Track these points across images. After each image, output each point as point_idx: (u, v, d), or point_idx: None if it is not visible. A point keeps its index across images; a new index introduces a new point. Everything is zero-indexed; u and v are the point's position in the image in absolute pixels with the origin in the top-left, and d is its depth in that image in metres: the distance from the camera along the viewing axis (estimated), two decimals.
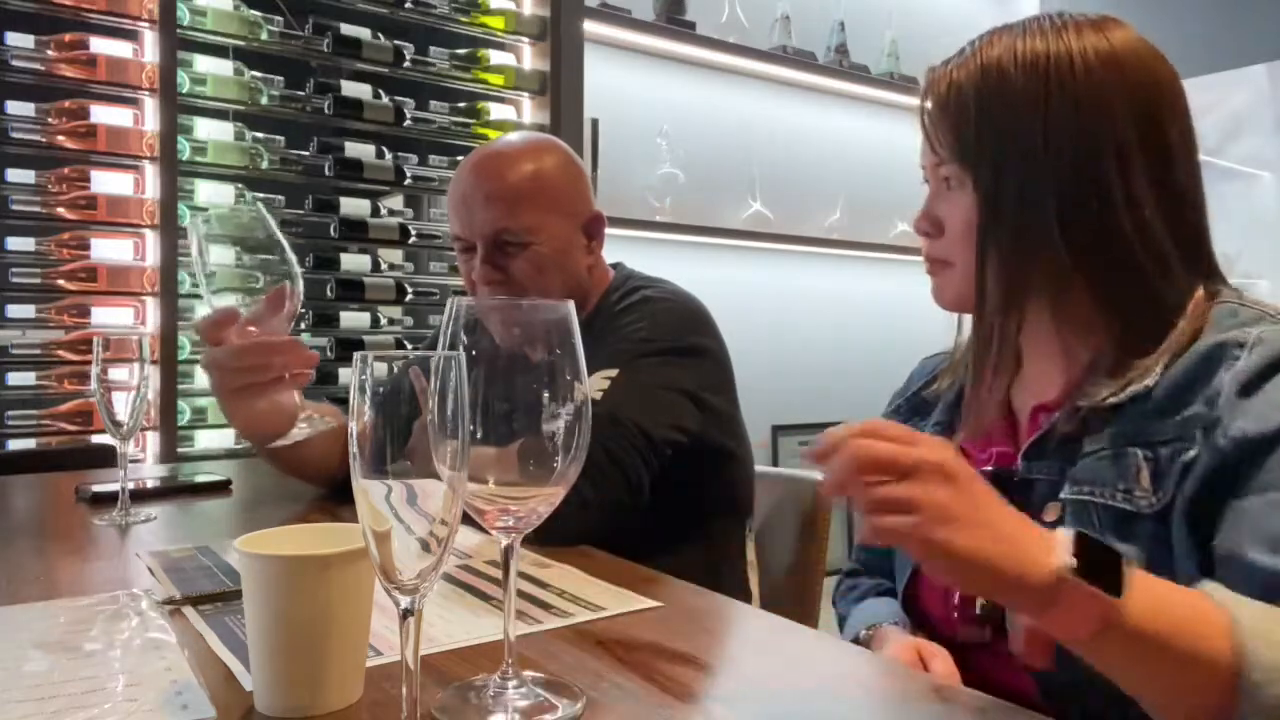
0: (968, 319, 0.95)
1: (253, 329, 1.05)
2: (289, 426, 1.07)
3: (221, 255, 1.05)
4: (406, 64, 2.49)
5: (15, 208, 2.06)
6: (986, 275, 0.84)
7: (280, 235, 1.04)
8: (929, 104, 0.87)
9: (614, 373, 1.15)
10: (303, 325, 2.37)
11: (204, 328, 1.06)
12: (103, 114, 2.12)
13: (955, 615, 0.86)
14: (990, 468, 0.88)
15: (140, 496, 1.30)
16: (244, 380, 1.07)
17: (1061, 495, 0.79)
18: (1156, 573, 0.72)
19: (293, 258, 1.04)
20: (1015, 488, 0.83)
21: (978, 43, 0.86)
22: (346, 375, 2.33)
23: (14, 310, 2.07)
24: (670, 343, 1.22)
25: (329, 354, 2.40)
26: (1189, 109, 0.85)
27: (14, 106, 2.06)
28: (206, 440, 2.29)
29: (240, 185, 2.29)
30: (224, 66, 2.27)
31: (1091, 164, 0.80)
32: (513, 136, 1.39)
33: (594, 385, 1.13)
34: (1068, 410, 0.82)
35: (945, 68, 0.87)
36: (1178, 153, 0.83)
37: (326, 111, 2.39)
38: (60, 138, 2.09)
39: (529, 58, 2.75)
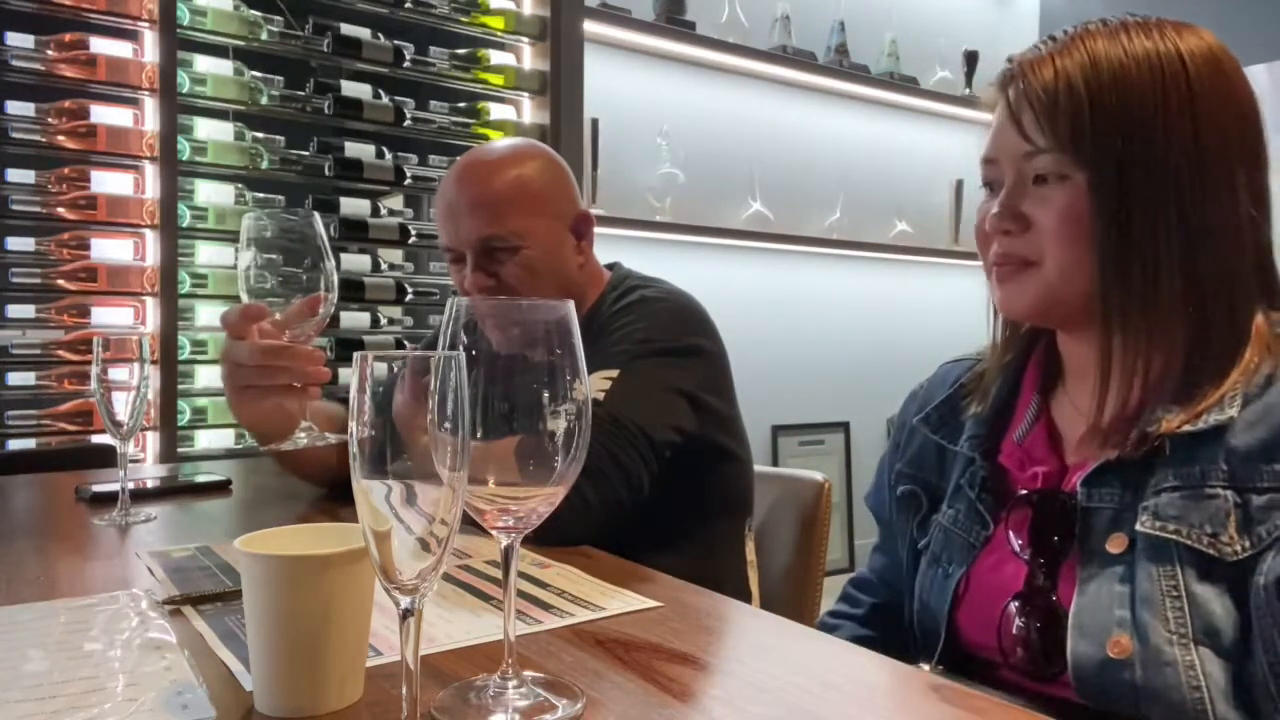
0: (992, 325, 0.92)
1: (277, 331, 1.05)
2: (290, 432, 1.07)
3: (265, 257, 1.05)
4: (406, 64, 2.49)
5: (15, 208, 2.06)
6: (1112, 285, 0.79)
7: (327, 247, 1.06)
8: (1026, 88, 0.81)
9: (614, 373, 1.15)
10: None
11: (230, 320, 1.06)
12: (103, 114, 2.12)
13: (999, 642, 0.82)
14: (1036, 490, 0.85)
15: (140, 496, 1.30)
16: (254, 380, 1.07)
17: (1137, 528, 0.75)
18: (1233, 624, 0.71)
19: (333, 268, 1.06)
20: (1069, 514, 0.80)
21: (1075, 35, 0.82)
22: (346, 375, 2.33)
23: (14, 310, 2.07)
24: (669, 343, 1.22)
25: (329, 354, 2.40)
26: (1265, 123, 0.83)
27: (14, 106, 2.06)
28: (206, 440, 2.29)
29: (240, 185, 2.30)
30: (224, 66, 2.27)
31: (1204, 165, 0.78)
32: (495, 143, 1.39)
33: (594, 385, 1.13)
34: (1135, 436, 0.78)
35: (1042, 56, 0.82)
36: (1264, 164, 0.81)
37: (326, 111, 2.39)
38: (60, 138, 2.08)
39: (529, 58, 2.75)
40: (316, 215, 1.06)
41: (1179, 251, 0.78)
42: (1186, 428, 0.75)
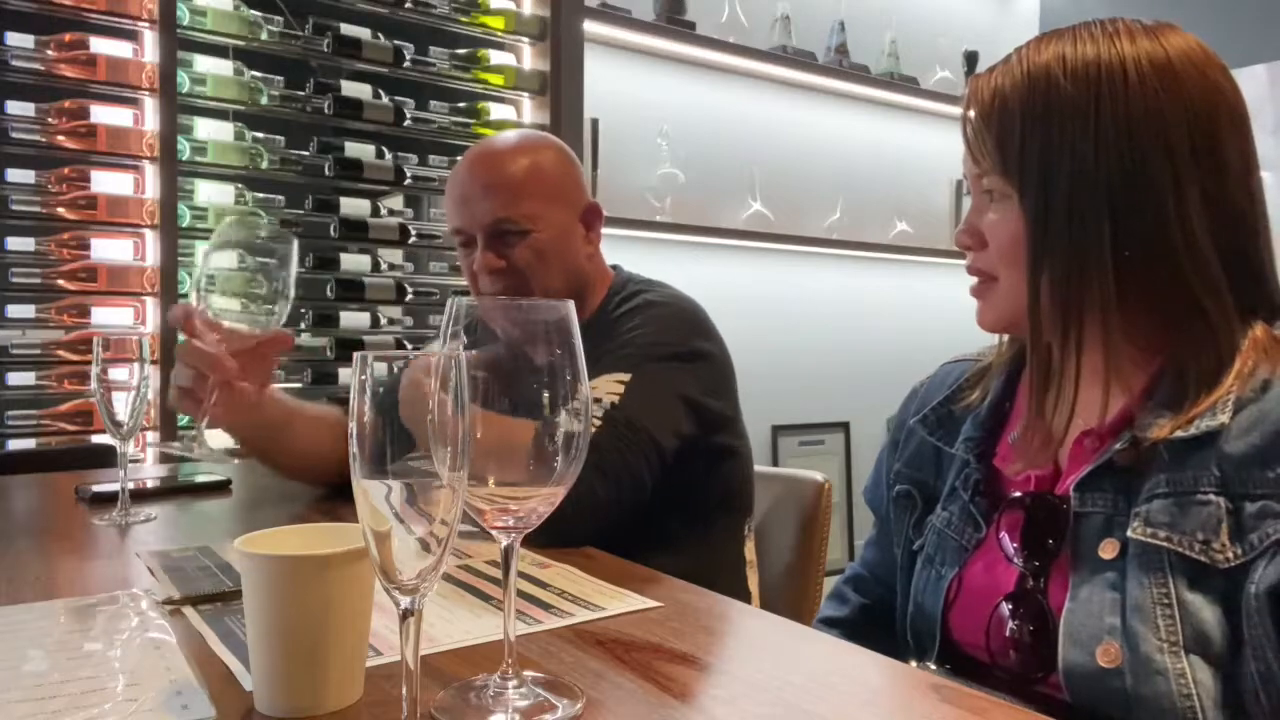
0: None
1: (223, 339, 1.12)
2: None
3: (228, 261, 1.12)
4: (406, 64, 2.49)
5: (15, 208, 2.06)
6: (1040, 296, 0.80)
7: (293, 276, 1.13)
8: (972, 113, 0.83)
9: (627, 377, 1.16)
10: (302, 325, 2.38)
11: (178, 316, 1.14)
12: (103, 114, 2.12)
13: (987, 643, 0.83)
14: (1029, 493, 0.85)
15: (140, 496, 1.30)
16: (182, 378, 1.14)
17: (1129, 534, 0.75)
18: (1224, 632, 0.70)
19: (292, 295, 1.14)
20: (1061, 517, 0.80)
21: (1025, 49, 0.83)
22: (346, 375, 2.33)
23: (14, 310, 2.07)
24: (675, 348, 1.24)
25: (329, 354, 2.40)
26: (1249, 125, 0.81)
27: (14, 106, 2.06)
28: (207, 441, 2.29)
29: (240, 185, 2.29)
30: (224, 66, 2.27)
31: (1143, 179, 0.77)
32: (507, 133, 1.42)
33: (607, 388, 1.14)
34: (1127, 440, 0.77)
35: (990, 75, 0.83)
36: (1234, 171, 0.79)
37: (326, 111, 2.39)
38: (60, 138, 2.08)
39: (529, 58, 2.75)
40: (295, 243, 1.10)
41: (1117, 262, 0.78)
42: (1178, 434, 0.75)
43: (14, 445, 2.05)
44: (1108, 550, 0.76)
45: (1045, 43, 0.82)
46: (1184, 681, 0.70)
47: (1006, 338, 0.95)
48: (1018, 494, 0.85)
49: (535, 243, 1.28)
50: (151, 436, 2.22)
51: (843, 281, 3.54)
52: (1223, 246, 0.78)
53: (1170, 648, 0.71)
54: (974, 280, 0.89)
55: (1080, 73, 0.78)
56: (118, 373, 1.14)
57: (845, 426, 3.54)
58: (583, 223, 1.35)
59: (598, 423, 1.10)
